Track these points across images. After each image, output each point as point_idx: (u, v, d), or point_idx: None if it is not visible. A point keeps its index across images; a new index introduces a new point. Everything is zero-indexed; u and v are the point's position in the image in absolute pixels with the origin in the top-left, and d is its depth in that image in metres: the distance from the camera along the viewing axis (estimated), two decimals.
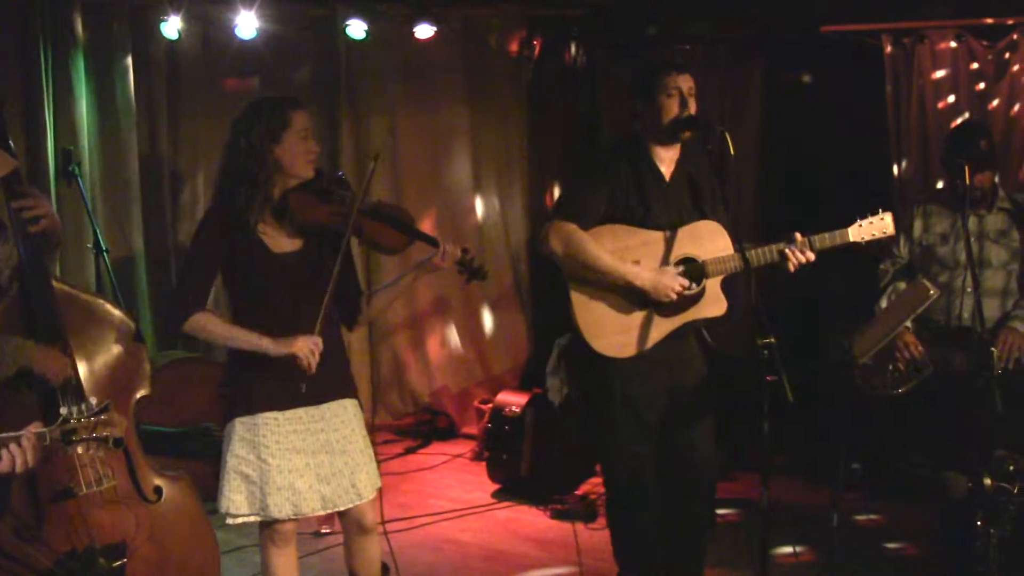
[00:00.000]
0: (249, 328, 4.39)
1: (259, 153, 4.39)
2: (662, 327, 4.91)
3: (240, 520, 4.48)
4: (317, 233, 4.49)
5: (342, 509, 4.58)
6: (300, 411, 4.49)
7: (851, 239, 4.97)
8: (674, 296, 4.81)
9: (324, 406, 4.55)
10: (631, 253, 4.87)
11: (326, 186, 4.51)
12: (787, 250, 4.83)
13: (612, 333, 4.89)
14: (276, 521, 4.48)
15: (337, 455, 4.53)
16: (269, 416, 4.44)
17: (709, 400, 5.13)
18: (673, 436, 5.04)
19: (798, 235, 4.85)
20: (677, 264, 4.88)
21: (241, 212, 4.41)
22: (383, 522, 5.20)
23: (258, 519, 4.48)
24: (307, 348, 4.29)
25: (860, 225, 4.97)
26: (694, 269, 4.89)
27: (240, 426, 4.47)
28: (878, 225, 4.99)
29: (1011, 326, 5.72)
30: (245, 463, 4.45)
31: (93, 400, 4.07)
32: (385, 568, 4.98)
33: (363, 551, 4.80)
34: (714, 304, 4.95)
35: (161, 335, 7.89)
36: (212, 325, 4.42)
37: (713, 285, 4.93)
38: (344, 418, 4.60)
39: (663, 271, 4.85)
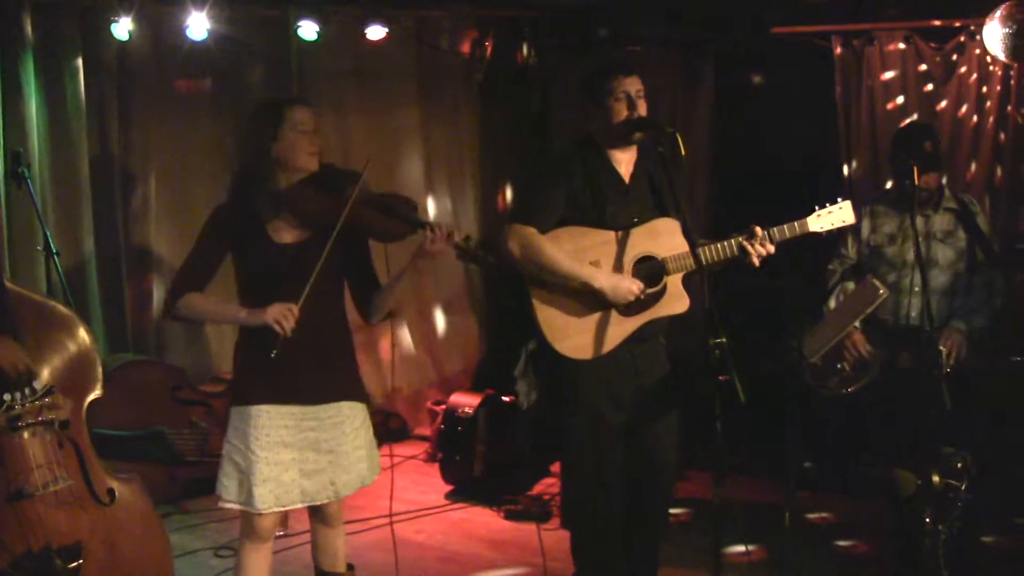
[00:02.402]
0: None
1: (258, 151, 4.53)
2: (625, 326, 4.92)
3: (229, 505, 4.56)
4: (319, 225, 4.53)
5: (319, 504, 4.68)
6: (295, 408, 4.56)
7: (810, 229, 4.99)
8: (632, 299, 4.82)
9: (320, 407, 4.61)
10: (589, 253, 4.88)
11: (329, 178, 4.58)
12: (746, 244, 4.83)
13: (574, 334, 4.90)
14: (257, 515, 4.53)
15: (323, 453, 4.60)
16: (262, 408, 4.52)
17: (672, 403, 5.15)
18: (636, 438, 5.06)
19: (757, 228, 4.85)
20: (637, 263, 4.89)
21: (248, 207, 4.55)
22: (391, 514, 5.62)
23: (242, 508, 4.53)
24: (278, 313, 4.37)
25: (819, 215, 4.98)
26: (654, 267, 4.89)
27: (235, 415, 4.58)
28: (837, 214, 5.01)
29: (952, 325, 5.78)
30: (236, 451, 4.53)
31: (37, 384, 4.07)
32: (350, 567, 5.01)
33: (328, 545, 4.93)
34: (676, 301, 4.96)
35: (112, 337, 7.85)
36: (197, 303, 4.58)
37: (675, 282, 4.94)
38: (337, 420, 4.66)
39: (621, 270, 4.86)
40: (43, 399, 4.16)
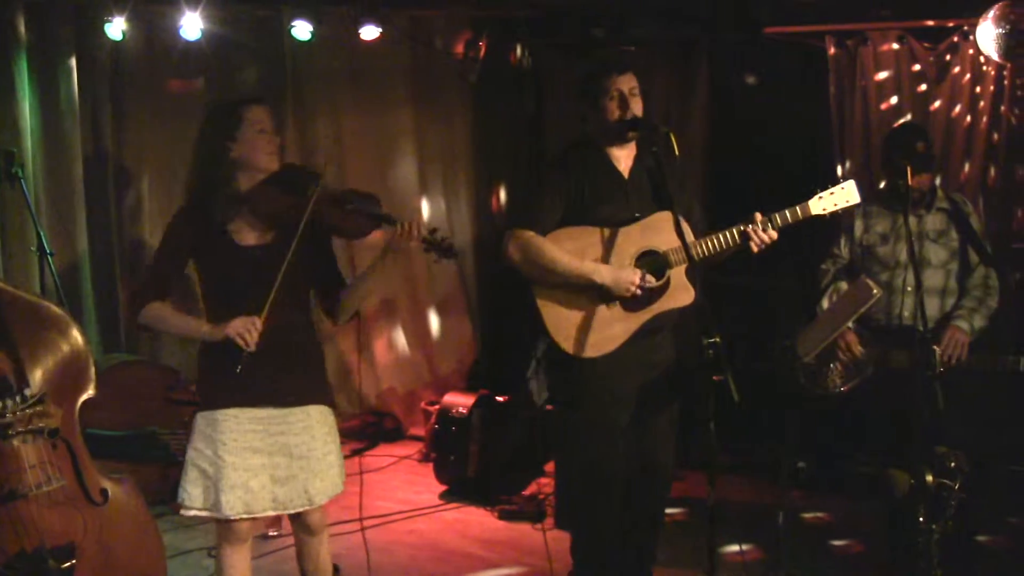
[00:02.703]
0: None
1: (216, 153, 4.46)
2: (631, 321, 4.91)
3: (193, 513, 4.49)
4: (282, 225, 4.48)
5: (292, 512, 4.60)
6: (262, 411, 4.49)
7: (812, 212, 4.92)
8: (635, 289, 4.81)
9: (288, 410, 4.54)
10: (591, 251, 4.88)
11: (291, 177, 4.53)
12: (748, 229, 4.81)
13: (582, 333, 4.89)
14: (231, 520, 4.48)
15: (295, 459, 4.53)
16: (230, 413, 4.45)
17: (672, 400, 5.15)
18: (636, 436, 5.06)
19: (757, 215, 4.84)
20: (639, 257, 4.89)
21: (207, 211, 4.46)
22: (361, 518, 5.43)
23: (209, 515, 4.48)
24: (241, 327, 4.31)
25: (820, 197, 4.92)
26: (656, 261, 4.88)
27: (201, 420, 4.50)
28: (840, 195, 4.94)
29: (955, 325, 5.77)
30: (202, 457, 4.46)
31: (28, 392, 4.05)
32: (336, 568, 4.98)
33: (311, 553, 4.83)
34: (682, 293, 4.94)
35: (106, 337, 7.85)
36: (163, 313, 4.49)
37: (678, 274, 4.92)
38: (307, 424, 4.58)
39: (622, 266, 4.85)
40: (34, 407, 4.14)
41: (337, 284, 4.76)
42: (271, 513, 4.57)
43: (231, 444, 4.44)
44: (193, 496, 4.46)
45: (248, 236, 4.51)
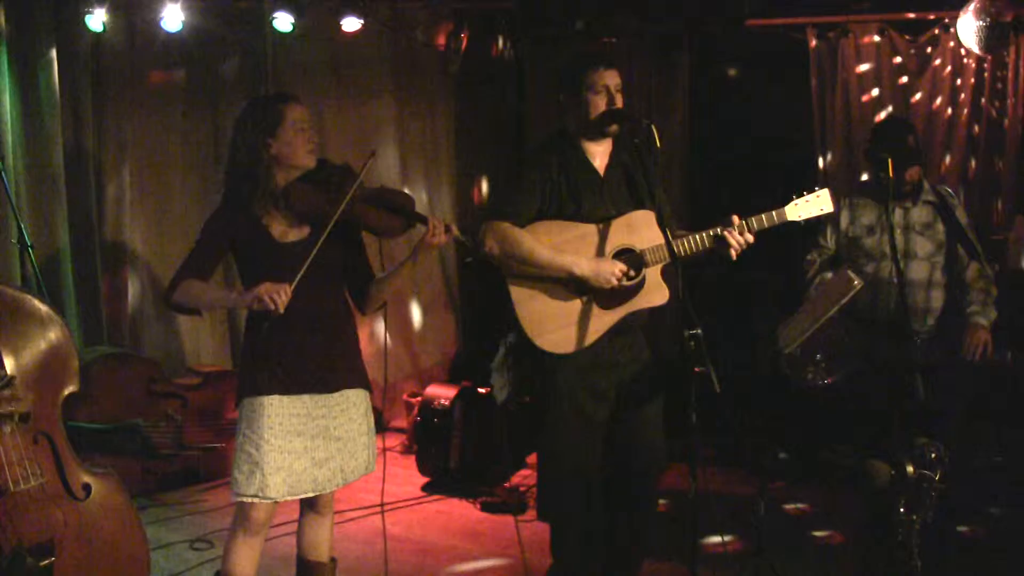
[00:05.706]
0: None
1: (255, 149, 4.54)
2: (605, 319, 4.90)
3: (241, 499, 4.53)
4: (320, 221, 4.54)
5: (328, 492, 4.71)
6: (305, 397, 4.59)
7: (788, 218, 4.92)
8: (615, 282, 4.79)
9: (329, 395, 4.65)
10: (569, 247, 4.86)
11: (327, 175, 4.61)
12: (725, 233, 4.81)
13: (555, 328, 4.88)
14: (252, 507, 4.53)
15: (332, 440, 4.63)
16: (274, 398, 4.53)
17: (657, 395, 5.14)
18: (620, 432, 5.05)
19: (735, 218, 4.82)
20: (616, 255, 4.88)
21: (246, 207, 4.56)
22: (383, 504, 5.71)
23: (256, 501, 4.51)
24: (271, 288, 4.33)
25: (796, 203, 4.93)
26: (632, 259, 4.87)
27: (247, 406, 4.57)
28: (815, 203, 4.95)
29: (976, 322, 5.80)
30: (249, 442, 4.52)
31: None
32: (332, 560, 5.00)
33: (314, 533, 4.93)
34: (656, 292, 4.93)
35: (87, 330, 7.82)
36: (193, 286, 4.52)
37: (653, 273, 4.91)
38: (345, 407, 4.69)
39: (602, 258, 4.85)
40: (1, 391, 4.13)
41: (366, 277, 4.86)
42: (310, 495, 4.64)
43: (277, 427, 4.51)
44: (239, 482, 4.52)
45: (287, 232, 4.61)
